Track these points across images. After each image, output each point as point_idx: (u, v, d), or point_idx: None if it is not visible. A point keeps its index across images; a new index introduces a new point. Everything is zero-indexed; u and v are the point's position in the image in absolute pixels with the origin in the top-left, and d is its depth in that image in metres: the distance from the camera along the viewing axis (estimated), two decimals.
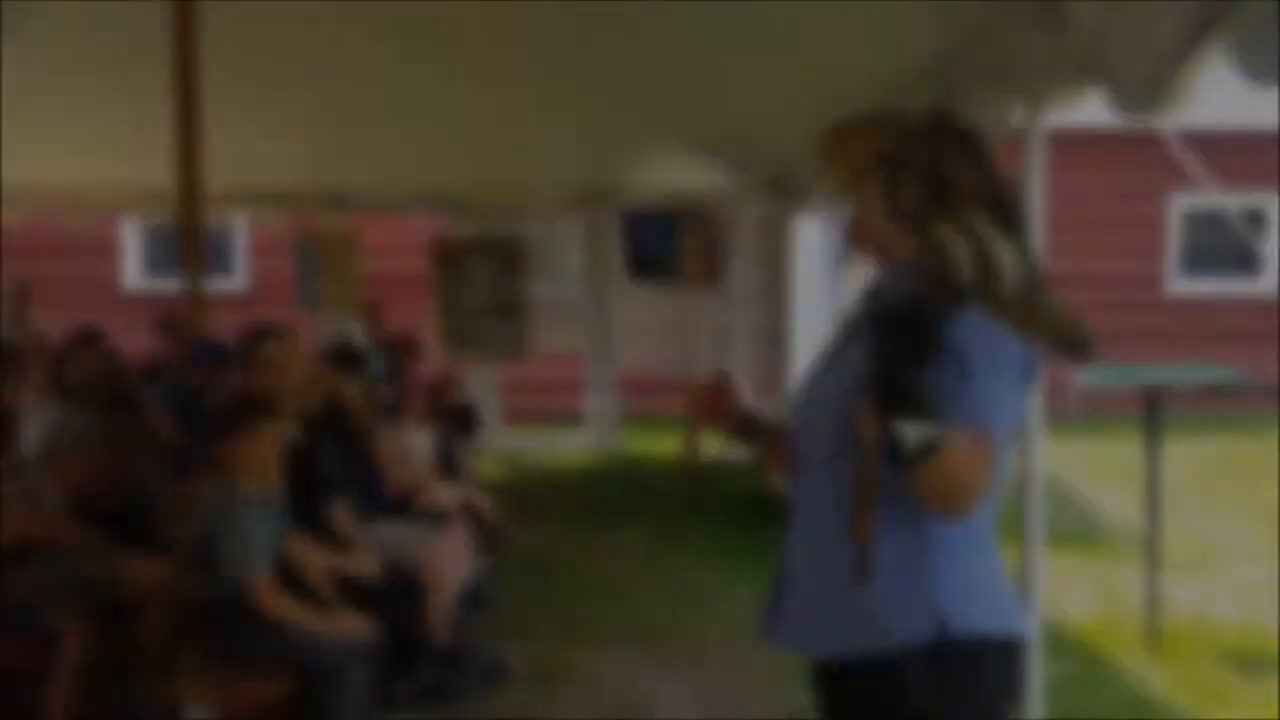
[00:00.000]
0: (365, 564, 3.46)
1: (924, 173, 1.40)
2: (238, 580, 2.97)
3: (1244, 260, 11.02)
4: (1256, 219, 10.69)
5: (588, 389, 8.94)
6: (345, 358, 3.84)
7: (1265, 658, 4.31)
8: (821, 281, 6.89)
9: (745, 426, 1.93)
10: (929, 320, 1.36)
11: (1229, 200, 5.13)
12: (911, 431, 1.39)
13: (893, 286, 1.49)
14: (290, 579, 3.19)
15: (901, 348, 1.37)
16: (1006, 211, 1.37)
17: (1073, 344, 1.34)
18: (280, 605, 3.02)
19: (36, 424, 3.76)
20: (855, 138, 1.51)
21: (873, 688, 1.60)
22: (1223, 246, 10.96)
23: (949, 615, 1.55)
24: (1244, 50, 1.61)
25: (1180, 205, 10.80)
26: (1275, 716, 3.73)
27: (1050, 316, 1.34)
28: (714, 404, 1.91)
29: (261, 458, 3.06)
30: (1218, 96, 1.60)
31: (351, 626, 3.12)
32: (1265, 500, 7.08)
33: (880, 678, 1.58)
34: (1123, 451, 8.71)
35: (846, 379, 1.54)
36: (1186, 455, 8.55)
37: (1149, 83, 1.83)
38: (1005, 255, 1.34)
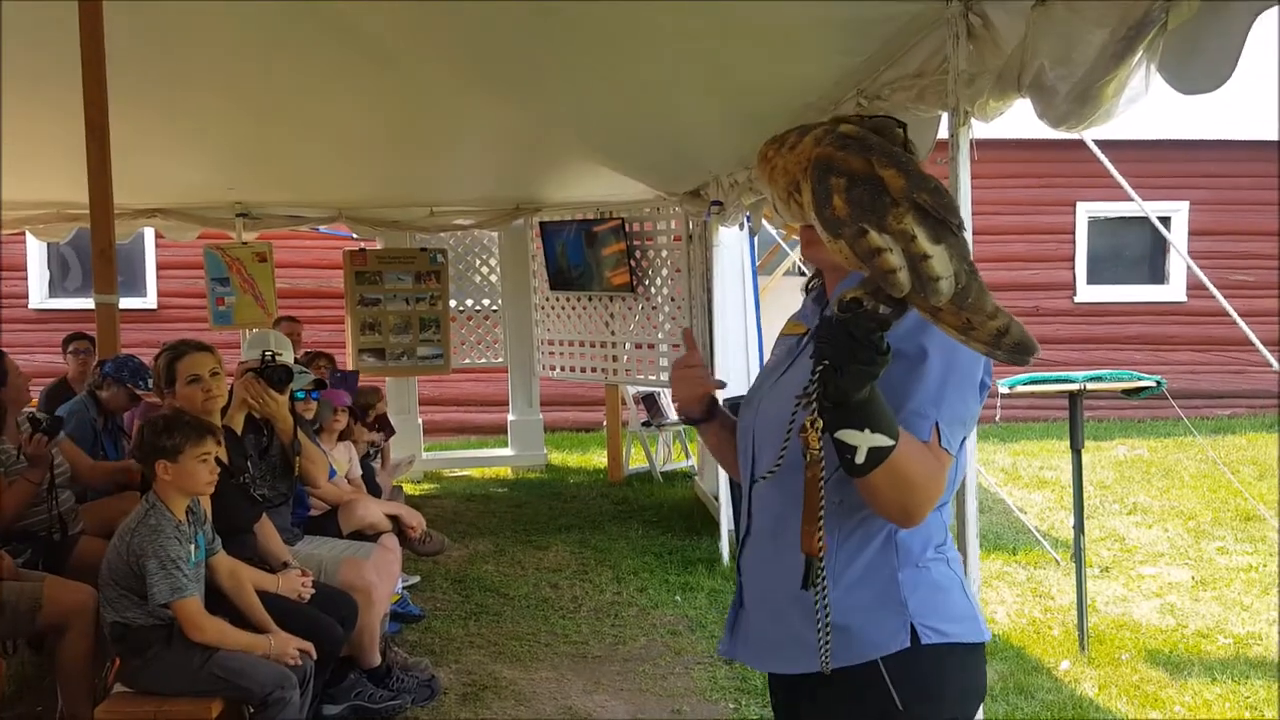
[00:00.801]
0: (299, 584, 3.38)
1: (853, 180, 1.37)
2: (165, 604, 2.88)
3: (1151, 266, 11.42)
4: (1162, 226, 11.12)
5: (510, 402, 8.88)
6: (270, 373, 3.74)
7: (1191, 657, 4.44)
8: (741, 290, 6.97)
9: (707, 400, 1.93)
10: (867, 328, 1.34)
11: (1141, 207, 5.28)
12: (858, 440, 1.39)
13: (836, 296, 1.45)
14: (220, 600, 3.11)
15: (842, 356, 1.35)
16: (940, 216, 1.34)
17: (1010, 349, 1.33)
18: (210, 628, 2.94)
19: None
20: (786, 150, 1.47)
21: (846, 697, 1.61)
22: (1130, 253, 11.38)
23: (921, 622, 1.58)
24: (1175, 61, 1.66)
25: (1088, 212, 11.11)
26: (1205, 717, 3.87)
27: (987, 321, 1.32)
28: (689, 368, 1.90)
29: (181, 479, 2.97)
30: (1144, 108, 1.65)
31: (285, 648, 3.05)
32: (1182, 502, 7.35)
33: (854, 687, 1.59)
34: (1040, 456, 9.07)
35: (796, 390, 1.51)
36: (1101, 460, 8.90)
37: (1076, 96, 1.87)
38: (939, 261, 1.32)
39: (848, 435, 1.40)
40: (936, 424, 1.51)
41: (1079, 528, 4.52)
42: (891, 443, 1.40)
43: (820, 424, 1.41)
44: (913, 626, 1.57)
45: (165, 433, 2.94)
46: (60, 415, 3.84)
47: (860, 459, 1.40)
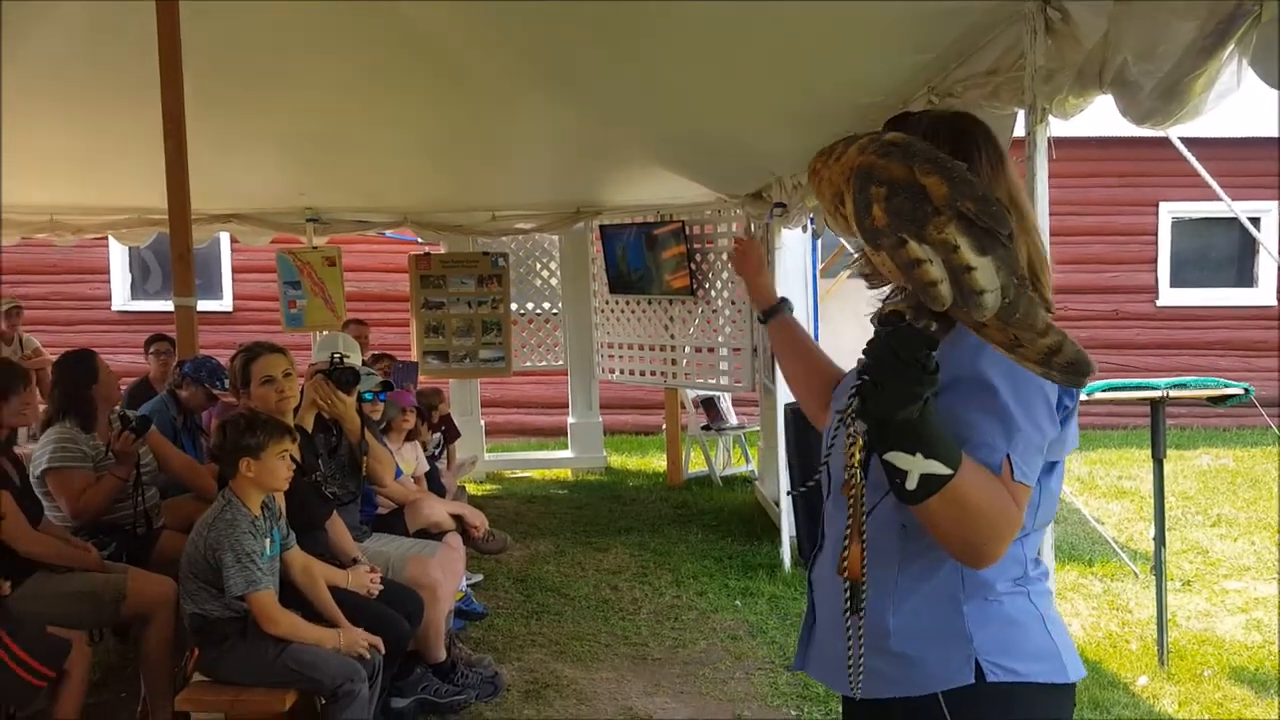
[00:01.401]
0: (368, 580, 3.44)
1: (894, 188, 1.29)
2: (240, 597, 2.95)
3: (1239, 269, 11.02)
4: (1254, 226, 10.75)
5: (569, 405, 8.93)
6: (338, 375, 3.82)
7: (1274, 674, 4.28)
8: (803, 294, 6.93)
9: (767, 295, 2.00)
10: (910, 344, 1.27)
11: (1230, 207, 5.08)
12: (908, 465, 1.31)
13: (877, 310, 1.41)
14: (293, 595, 3.17)
15: (882, 372, 1.28)
16: (986, 226, 1.25)
17: (1063, 368, 1.24)
18: (284, 621, 3.00)
19: (41, 443, 3.75)
20: (832, 162, 1.41)
21: None
22: (1216, 255, 11.00)
23: (987, 659, 1.49)
24: (1268, 55, 1.60)
25: (1171, 212, 10.77)
26: None
27: (1037, 339, 1.24)
28: (746, 253, 1.96)
29: (263, 476, 3.04)
30: (1234, 105, 1.60)
31: (354, 642, 3.10)
32: (1267, 514, 7.09)
33: (921, 716, 1.52)
34: (1119, 465, 8.83)
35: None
36: (1184, 469, 8.62)
37: (1162, 92, 1.82)
38: (984, 273, 1.23)
39: (897, 458, 1.32)
40: (1008, 456, 1.41)
41: (1160, 539, 4.38)
42: (948, 471, 1.31)
43: (860, 442, 1.35)
44: (977, 662, 1.49)
45: (249, 431, 3.02)
46: (147, 415, 3.96)
47: (911, 485, 1.32)
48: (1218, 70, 1.71)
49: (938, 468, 1.31)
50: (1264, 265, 10.67)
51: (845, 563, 1.40)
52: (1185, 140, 4.36)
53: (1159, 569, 4.38)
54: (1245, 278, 11.03)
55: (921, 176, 1.29)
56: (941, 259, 1.25)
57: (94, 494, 3.68)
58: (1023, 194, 1.53)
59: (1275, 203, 10.65)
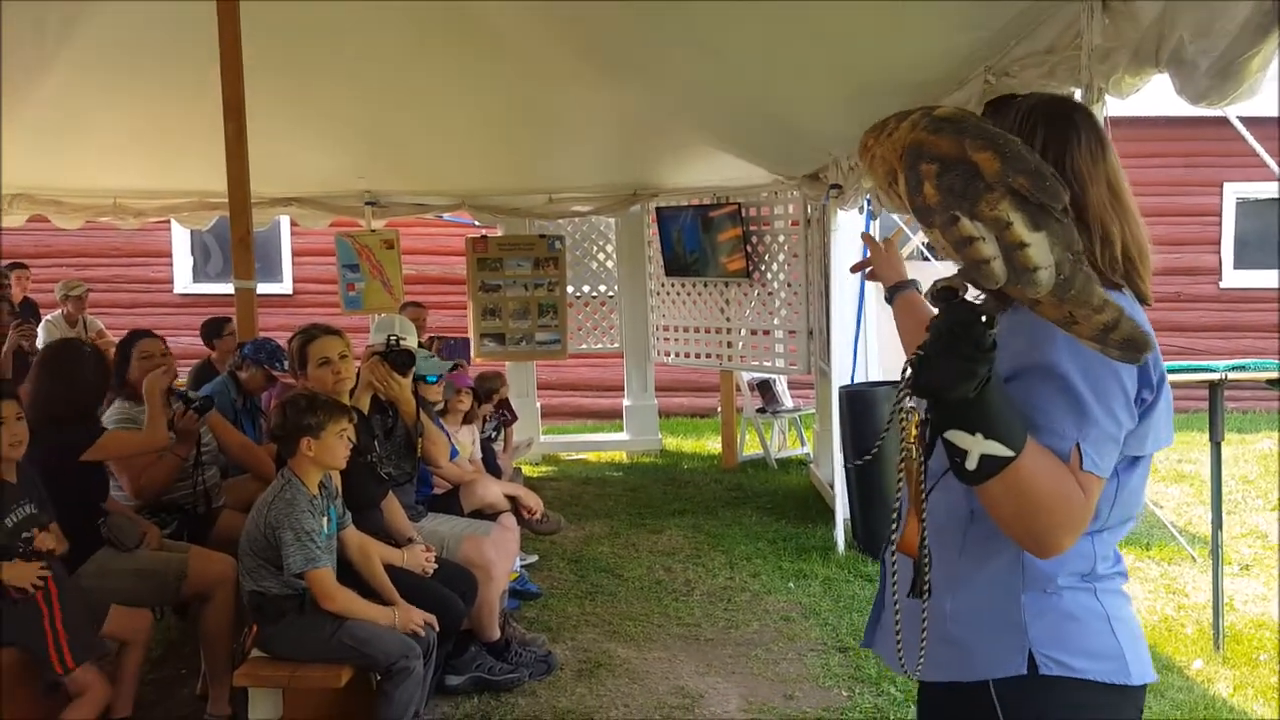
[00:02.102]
0: (423, 559, 3.50)
1: (945, 165, 1.27)
2: (299, 574, 3.02)
3: None
4: None
5: (625, 387, 8.96)
6: (394, 357, 3.88)
7: None
8: (858, 274, 6.85)
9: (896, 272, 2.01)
10: (964, 320, 1.25)
11: None
12: (967, 444, 1.29)
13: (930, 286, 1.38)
14: (349, 573, 3.24)
15: (935, 347, 1.26)
16: (1039, 201, 1.23)
17: (1119, 345, 1.22)
18: (340, 598, 3.07)
19: (105, 421, 3.86)
20: (885, 138, 1.38)
21: (955, 712, 1.55)
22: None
23: (1041, 651, 1.46)
24: None
25: (1236, 193, 10.54)
26: None
27: (1093, 315, 1.21)
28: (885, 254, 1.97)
29: (323, 455, 3.11)
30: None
31: (410, 619, 3.17)
32: None
33: (964, 704, 1.52)
34: (1178, 448, 8.65)
35: None
36: (1244, 453, 8.45)
37: (1218, 71, 1.78)
38: (1037, 249, 1.21)
39: (956, 437, 1.30)
40: (1078, 444, 1.36)
41: (1217, 523, 4.32)
42: (1009, 453, 1.28)
43: (916, 416, 1.33)
44: (1031, 654, 1.46)
45: (309, 411, 3.09)
46: (210, 395, 4.06)
47: (971, 465, 1.29)
48: (1274, 49, 1.66)
49: (998, 449, 1.28)
50: None
51: (894, 540, 1.39)
52: (1249, 119, 4.26)
53: (1216, 552, 4.32)
54: None
55: (973, 153, 1.26)
56: (994, 236, 1.23)
57: (155, 472, 3.79)
58: (1124, 182, 1.47)
59: None
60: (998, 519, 1.37)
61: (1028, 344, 1.39)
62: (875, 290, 7.33)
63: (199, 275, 10.97)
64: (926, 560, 1.42)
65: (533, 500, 4.62)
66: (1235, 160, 9.67)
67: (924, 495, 1.40)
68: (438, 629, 3.28)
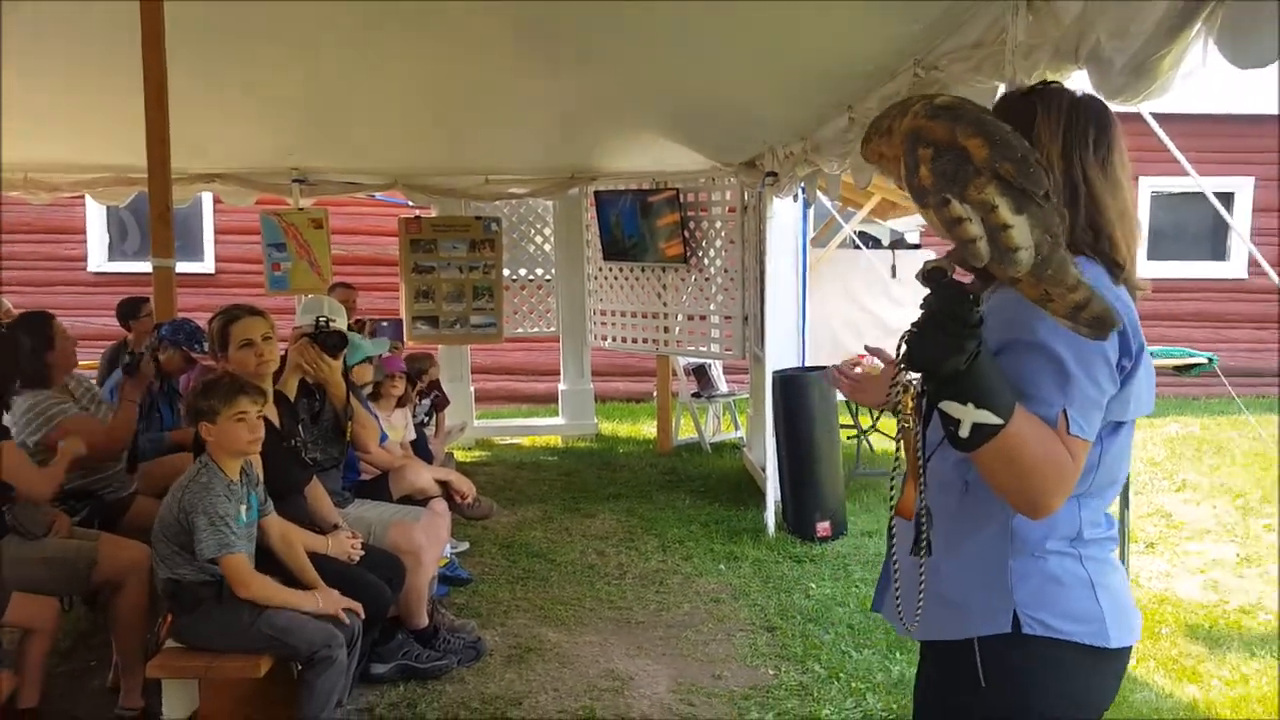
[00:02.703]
0: (348, 546, 3.45)
1: (939, 150, 1.37)
2: (212, 560, 2.96)
3: (1213, 243, 11.20)
4: (1225, 202, 10.88)
5: (561, 371, 8.93)
6: (324, 339, 3.80)
7: (1231, 632, 4.43)
8: (792, 262, 6.91)
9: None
10: (952, 297, 1.35)
11: (1198, 183, 5.17)
12: (961, 414, 1.38)
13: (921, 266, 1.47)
14: (273, 561, 3.18)
15: (925, 324, 1.37)
16: (1022, 186, 1.32)
17: (1089, 323, 1.33)
18: (255, 585, 3.00)
19: (16, 410, 3.74)
20: (890, 139, 1.47)
21: (944, 669, 1.66)
22: (1192, 229, 11.15)
23: (1026, 612, 1.55)
24: (1233, 35, 1.61)
25: (1151, 187, 10.86)
26: (1254, 688, 3.83)
27: (1067, 294, 1.32)
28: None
29: (221, 439, 3.03)
30: (1201, 82, 1.60)
31: (331, 606, 3.12)
32: (1229, 479, 7.25)
33: (952, 661, 1.61)
34: None
35: None
36: (1153, 436, 8.78)
37: (1133, 68, 1.83)
38: (1019, 231, 1.31)
39: (950, 407, 1.39)
40: (1064, 410, 1.46)
41: (1124, 502, 4.50)
42: (999, 422, 1.38)
43: (913, 389, 1.43)
44: (1016, 614, 1.55)
45: (202, 395, 3.02)
46: (143, 353, 3.95)
47: (964, 433, 1.39)
48: (1185, 49, 1.71)
49: (989, 418, 1.38)
50: (1236, 240, 10.89)
51: (894, 503, 1.51)
52: (1163, 116, 4.39)
53: (1122, 531, 4.49)
54: (1219, 251, 11.26)
55: (964, 139, 1.35)
56: (980, 218, 1.33)
57: (116, 425, 3.69)
58: (1125, 180, 1.56)
59: (1251, 179, 10.75)
60: (991, 483, 1.46)
61: (1014, 319, 1.48)
62: (818, 274, 7.42)
63: (115, 253, 10.65)
64: (925, 521, 1.53)
65: (465, 485, 4.59)
66: (1150, 156, 9.92)
67: (921, 463, 1.51)
68: (363, 616, 3.24)
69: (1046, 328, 1.44)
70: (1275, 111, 10.25)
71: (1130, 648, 1.63)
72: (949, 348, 1.35)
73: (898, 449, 1.56)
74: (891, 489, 1.57)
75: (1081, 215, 1.51)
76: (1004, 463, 1.42)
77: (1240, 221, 10.77)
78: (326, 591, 3.16)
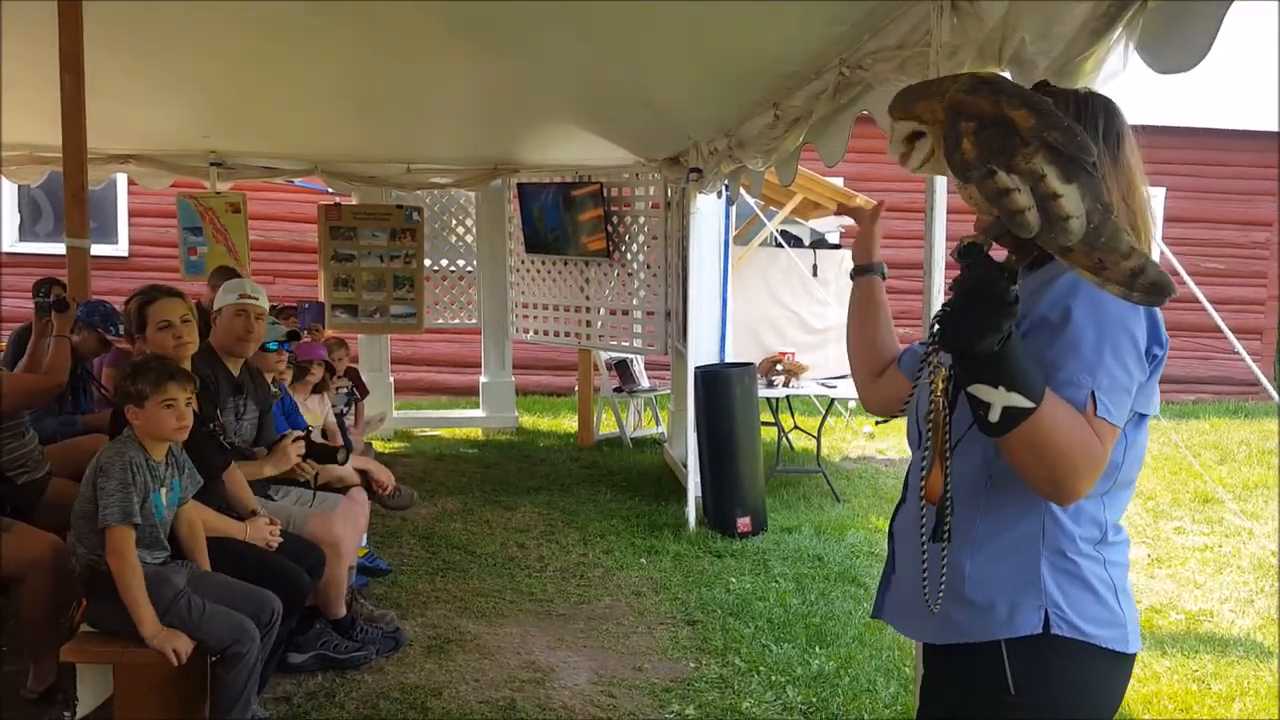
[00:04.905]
0: (267, 532, 3.39)
1: (982, 123, 1.33)
2: (107, 526, 2.85)
3: None
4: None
5: (482, 364, 8.87)
6: (317, 451, 3.76)
7: (1142, 632, 4.48)
8: (715, 259, 6.99)
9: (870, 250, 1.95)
10: (988, 274, 1.31)
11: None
12: (991, 398, 1.35)
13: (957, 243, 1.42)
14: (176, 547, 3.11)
15: (960, 302, 1.33)
16: (1072, 154, 1.29)
17: (1146, 289, 1.27)
18: (125, 570, 2.85)
19: None
20: (920, 103, 1.44)
21: (965, 671, 1.60)
22: None
23: (1055, 612, 1.53)
24: (1153, 40, 1.67)
25: None
26: (1165, 685, 3.98)
27: (1121, 261, 1.27)
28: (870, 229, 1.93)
29: (148, 425, 2.95)
30: (1116, 93, 1.66)
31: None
32: (1142, 483, 7.47)
33: (980, 663, 1.57)
34: None
35: None
36: None
37: (1055, 71, 1.88)
38: (1069, 200, 1.27)
39: (981, 390, 1.36)
40: (1093, 393, 1.43)
41: None
42: (1030, 405, 1.35)
43: (945, 371, 1.41)
44: (1046, 614, 1.52)
45: (130, 378, 2.93)
46: (64, 297, 3.83)
47: (994, 417, 1.36)
48: (1106, 52, 1.77)
49: (1020, 401, 1.34)
50: (1153, 249, 11.17)
51: (924, 486, 1.45)
52: None
53: None
54: None
55: (1009, 110, 1.32)
56: (1029, 187, 1.29)
57: (53, 363, 3.61)
58: (1137, 172, 1.55)
59: (1162, 189, 11.18)
60: (1018, 467, 1.43)
61: (1044, 301, 1.46)
62: (740, 271, 7.50)
63: (26, 234, 10.30)
64: (949, 507, 1.47)
65: (384, 475, 4.55)
66: None
67: (948, 447, 1.46)
68: (281, 609, 3.17)
69: (1079, 311, 1.43)
70: (1189, 124, 10.67)
71: (1137, 654, 1.62)
72: (985, 327, 1.31)
73: (934, 434, 1.48)
74: (924, 472, 1.48)
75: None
76: (1033, 447, 1.39)
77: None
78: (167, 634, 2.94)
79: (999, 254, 1.38)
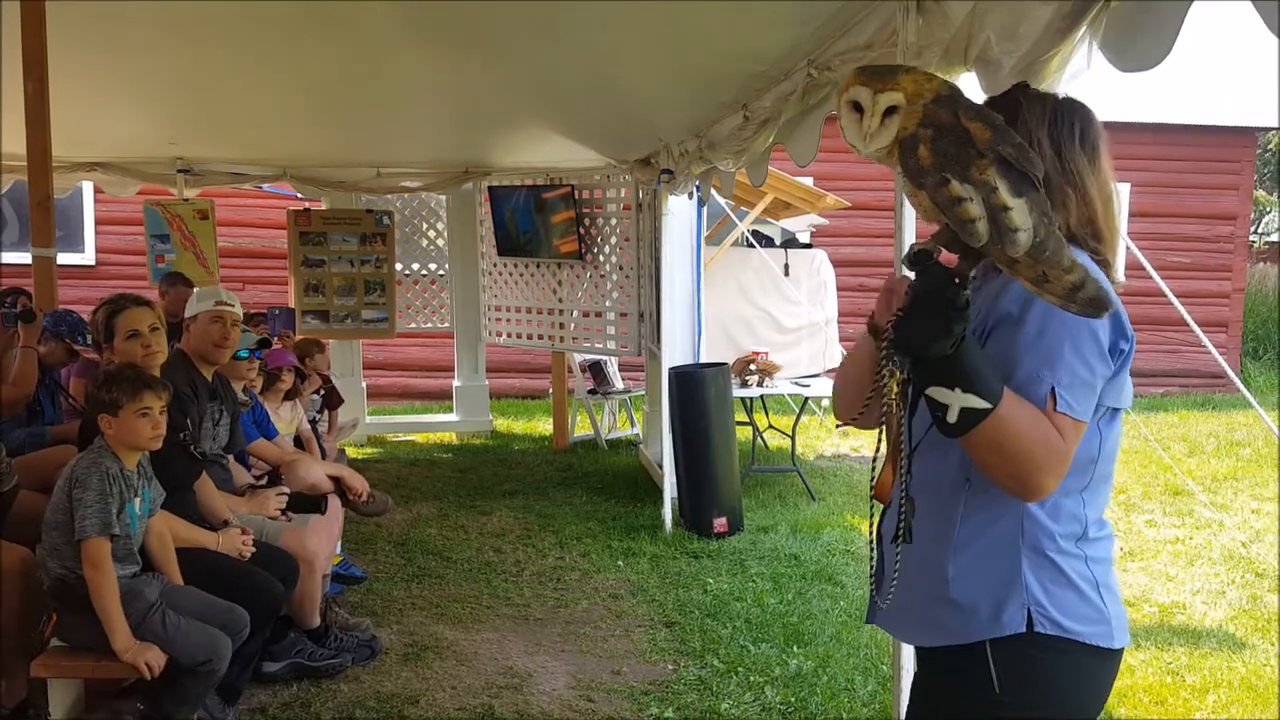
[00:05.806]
0: (239, 542, 3.35)
1: (940, 131, 1.36)
2: (86, 538, 2.82)
3: None
4: None
5: (455, 368, 8.84)
6: (298, 502, 3.73)
7: None
8: (687, 260, 6.99)
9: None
10: (939, 280, 1.35)
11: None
12: (948, 399, 1.38)
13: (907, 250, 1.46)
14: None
15: (912, 308, 1.36)
16: (1023, 169, 1.34)
17: (1084, 303, 1.33)
18: (101, 581, 2.82)
19: None
20: (901, 75, 1.43)
21: (951, 672, 1.61)
22: None
23: (1038, 611, 1.54)
24: (1117, 38, 1.69)
25: None
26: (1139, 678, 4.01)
27: (1063, 275, 1.33)
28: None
29: (121, 434, 2.92)
30: (1082, 89, 1.68)
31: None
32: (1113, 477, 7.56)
33: (960, 664, 1.58)
34: None
35: None
36: None
37: (1020, 70, 1.90)
38: (1019, 213, 1.32)
39: (937, 393, 1.39)
40: (1053, 389, 1.45)
41: None
42: (987, 405, 1.38)
43: (899, 374, 1.43)
44: (1029, 612, 1.53)
45: (104, 387, 2.90)
46: (30, 307, 3.78)
47: (952, 418, 1.39)
48: (1070, 51, 1.79)
49: (976, 402, 1.38)
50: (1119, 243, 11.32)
51: (874, 485, 1.50)
52: None
53: None
54: None
55: (966, 122, 1.36)
56: (981, 198, 1.33)
57: (20, 374, 3.53)
58: (1109, 175, 1.59)
59: (1127, 185, 11.31)
60: (983, 467, 1.46)
61: (1006, 299, 1.49)
62: (712, 272, 7.50)
63: None
64: (905, 508, 1.51)
65: (357, 481, 4.51)
66: None
67: (905, 450, 1.50)
68: (250, 622, 3.14)
69: (1038, 305, 1.45)
70: (1152, 120, 10.79)
71: (1124, 649, 1.63)
72: (937, 330, 1.35)
73: (881, 433, 1.52)
74: (876, 472, 1.51)
75: (1074, 206, 1.53)
76: (994, 446, 1.41)
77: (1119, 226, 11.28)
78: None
79: (951, 260, 1.41)
